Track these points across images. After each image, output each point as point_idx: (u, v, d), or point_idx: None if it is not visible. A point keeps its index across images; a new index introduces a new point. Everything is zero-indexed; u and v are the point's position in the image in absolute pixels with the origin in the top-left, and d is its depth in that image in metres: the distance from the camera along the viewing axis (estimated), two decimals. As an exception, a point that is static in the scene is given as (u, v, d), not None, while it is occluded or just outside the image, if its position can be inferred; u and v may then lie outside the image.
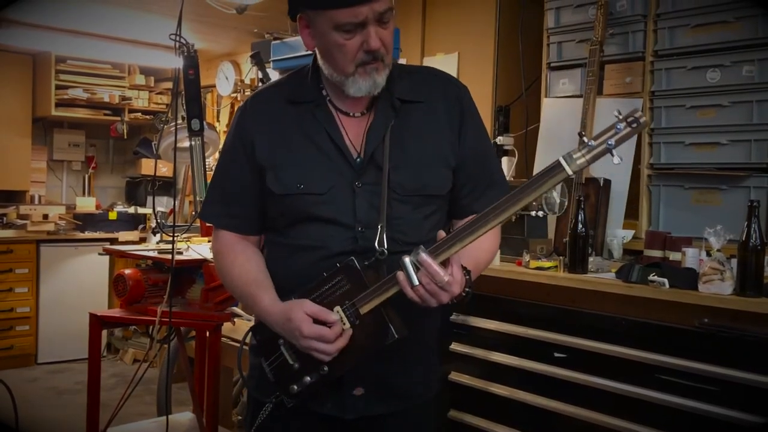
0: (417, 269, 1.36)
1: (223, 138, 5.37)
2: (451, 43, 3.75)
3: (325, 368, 1.47)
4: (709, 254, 2.26)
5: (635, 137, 2.88)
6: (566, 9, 3.19)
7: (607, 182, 2.91)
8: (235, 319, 3.29)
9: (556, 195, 2.86)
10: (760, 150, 2.61)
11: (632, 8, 2.95)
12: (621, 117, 1.29)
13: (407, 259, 1.36)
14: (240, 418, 3.88)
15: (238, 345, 3.33)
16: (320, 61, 1.56)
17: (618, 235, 2.82)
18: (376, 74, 1.50)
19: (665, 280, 2.27)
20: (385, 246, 1.48)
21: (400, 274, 1.37)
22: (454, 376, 2.83)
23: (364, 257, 1.47)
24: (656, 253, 2.54)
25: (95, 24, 5.01)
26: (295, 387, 1.50)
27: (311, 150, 1.55)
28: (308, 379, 1.49)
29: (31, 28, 5.08)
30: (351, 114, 1.59)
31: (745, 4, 2.64)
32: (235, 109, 5.80)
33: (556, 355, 2.51)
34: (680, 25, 2.81)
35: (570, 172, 1.31)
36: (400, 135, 1.56)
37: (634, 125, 1.28)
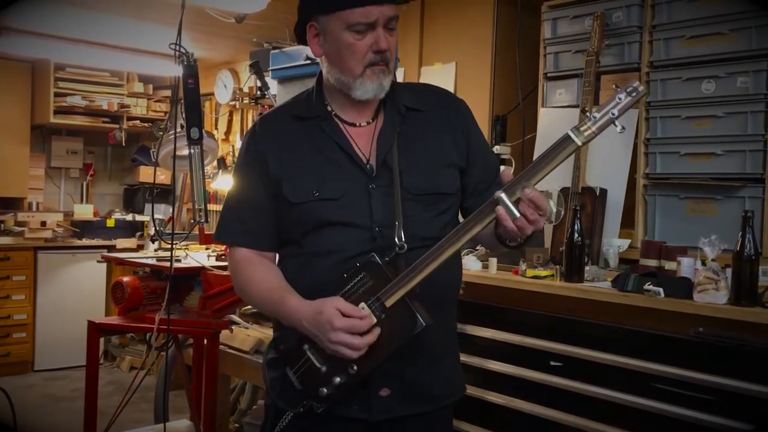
0: (512, 201, 1.39)
1: (221, 146, 5.39)
2: (449, 52, 3.77)
3: (354, 367, 1.48)
4: (704, 264, 2.28)
5: (632, 146, 2.92)
6: (563, 20, 3.22)
7: (603, 192, 2.93)
8: (233, 327, 3.30)
9: (552, 204, 2.88)
10: (754, 160, 2.63)
11: (628, 20, 2.97)
12: (620, 89, 1.38)
13: (502, 195, 1.39)
14: (237, 426, 3.88)
15: (235, 353, 3.35)
16: (326, 69, 1.63)
17: (614, 244, 2.84)
18: (382, 76, 1.58)
19: (660, 290, 2.29)
20: (403, 240, 1.52)
21: (500, 209, 1.40)
22: (451, 385, 2.84)
23: (383, 254, 1.51)
24: (652, 263, 2.55)
25: (94, 32, 5.02)
26: (325, 390, 1.51)
27: (323, 160, 1.61)
28: (338, 379, 1.50)
29: (30, 35, 5.10)
30: (357, 124, 1.65)
31: (739, 16, 2.66)
32: (234, 117, 5.83)
33: (552, 363, 2.52)
34: (676, 37, 2.84)
35: (579, 143, 1.39)
36: (409, 139, 1.64)
37: (634, 94, 1.37)
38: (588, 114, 1.39)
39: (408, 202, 1.58)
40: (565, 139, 1.39)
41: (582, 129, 1.38)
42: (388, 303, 1.46)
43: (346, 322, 1.44)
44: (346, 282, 1.50)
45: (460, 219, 1.69)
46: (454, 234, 1.45)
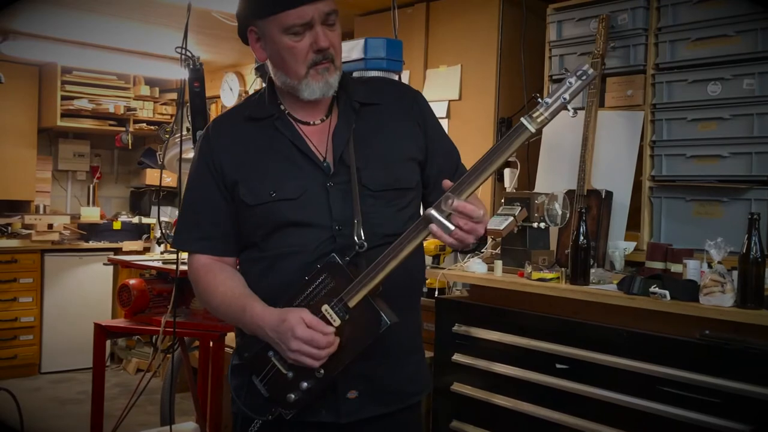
0: (444, 215, 1.38)
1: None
2: (454, 55, 3.78)
3: (321, 371, 1.47)
4: (710, 266, 2.27)
5: (637, 148, 2.91)
6: (568, 22, 3.22)
7: (609, 194, 2.92)
8: (239, 330, 3.30)
9: (557, 207, 2.88)
10: (760, 163, 2.63)
11: (633, 22, 2.97)
12: (570, 72, 1.38)
13: (432, 211, 1.38)
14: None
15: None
16: (273, 73, 1.61)
17: (620, 246, 2.83)
18: (327, 74, 1.55)
19: (666, 292, 2.28)
20: (363, 239, 1.50)
21: (433, 226, 1.39)
22: (457, 387, 2.84)
23: (344, 254, 1.49)
24: (658, 265, 2.55)
25: (101, 35, 5.04)
26: (293, 396, 1.49)
27: (279, 160, 1.58)
28: (305, 384, 1.48)
29: (37, 39, 5.12)
30: (311, 123, 1.63)
31: (745, 18, 2.66)
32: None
33: (558, 366, 2.52)
34: (681, 39, 2.84)
35: (532, 130, 1.37)
36: (364, 134, 1.61)
37: (584, 78, 1.36)
38: (540, 100, 1.38)
39: (367, 199, 1.56)
40: (519, 127, 1.38)
41: (535, 116, 1.37)
42: (351, 303, 1.45)
43: (307, 333, 1.42)
44: (308, 284, 1.48)
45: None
46: (414, 228, 1.42)
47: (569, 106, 1.38)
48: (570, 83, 1.36)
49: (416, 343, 1.72)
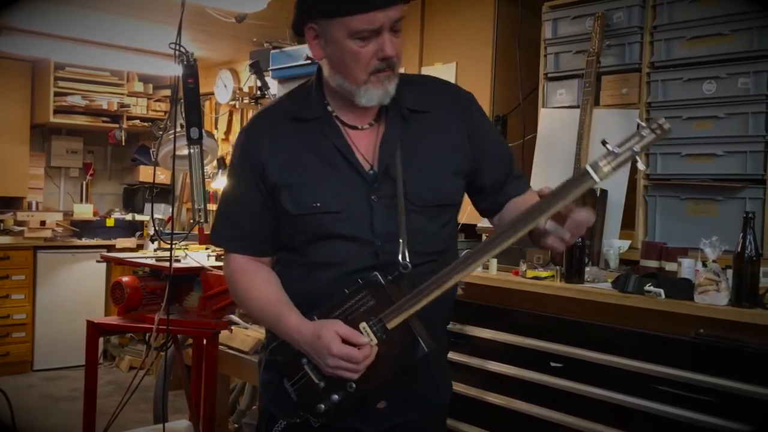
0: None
1: (221, 146, 5.39)
2: (450, 52, 3.77)
3: (353, 385, 1.46)
4: (704, 265, 2.27)
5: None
6: (564, 20, 3.22)
7: (604, 192, 2.92)
8: (233, 327, 3.30)
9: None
10: (755, 161, 2.63)
11: (629, 20, 2.97)
12: (644, 125, 1.31)
13: (550, 224, 1.38)
14: (236, 426, 3.88)
15: (234, 353, 3.34)
16: (328, 73, 1.54)
17: (614, 245, 2.83)
18: (387, 83, 1.50)
19: (661, 291, 2.28)
20: (408, 260, 1.47)
21: (551, 238, 1.39)
22: (451, 385, 2.84)
23: (386, 272, 1.47)
24: (652, 264, 2.55)
25: (94, 31, 5.02)
26: (323, 406, 1.48)
27: (323, 167, 1.53)
28: (336, 397, 1.47)
29: (30, 35, 5.10)
30: (359, 127, 1.57)
31: (740, 16, 2.66)
32: (233, 117, 5.83)
33: (552, 364, 2.52)
34: (676, 38, 2.83)
35: (597, 180, 1.32)
36: (412, 146, 1.56)
37: (658, 132, 1.31)
38: (608, 147, 1.31)
39: (411, 214, 1.52)
40: (583, 175, 1.33)
41: (601, 164, 1.32)
42: (390, 325, 1.44)
43: (343, 351, 1.41)
44: (348, 299, 1.47)
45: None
46: (462, 261, 1.40)
47: (639, 158, 1.31)
48: (643, 135, 1.31)
49: (443, 353, 1.73)
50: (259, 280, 1.59)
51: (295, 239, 1.58)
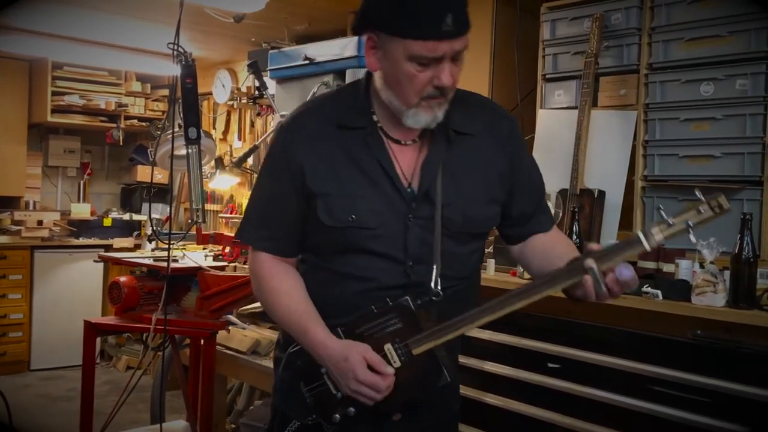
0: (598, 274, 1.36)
1: (219, 146, 5.38)
2: (448, 53, 3.76)
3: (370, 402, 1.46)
4: (702, 266, 2.28)
5: (630, 148, 2.91)
6: (562, 21, 3.22)
7: (602, 193, 2.93)
8: (230, 328, 3.30)
9: (550, 206, 2.88)
10: (753, 163, 2.63)
11: (627, 21, 2.97)
12: (705, 200, 1.30)
13: (595, 267, 1.36)
14: (233, 426, 3.88)
15: (232, 353, 3.34)
16: (380, 85, 1.51)
17: (612, 246, 2.83)
18: (438, 109, 1.46)
19: (659, 292, 2.29)
20: (439, 287, 1.47)
21: (588, 279, 1.37)
22: (448, 386, 2.84)
23: (415, 294, 1.46)
24: (650, 265, 2.55)
25: (92, 31, 5.02)
26: (338, 416, 1.48)
27: (362, 180, 1.50)
28: (352, 410, 1.47)
29: (28, 34, 5.09)
30: (402, 142, 1.54)
31: (738, 18, 2.66)
32: (231, 117, 5.82)
33: (550, 365, 2.52)
34: (674, 39, 2.84)
35: (648, 248, 1.33)
36: (454, 169, 1.54)
37: (717, 210, 1.30)
38: (663, 216, 1.31)
39: (444, 239, 1.50)
40: (634, 241, 1.34)
41: (653, 232, 1.32)
42: (416, 352, 1.44)
43: (369, 378, 1.41)
44: (375, 317, 1.46)
45: None
46: (499, 301, 1.40)
47: (692, 231, 1.31)
48: (701, 211, 1.29)
49: (457, 361, 1.72)
50: (286, 286, 1.57)
51: (324, 248, 1.55)
